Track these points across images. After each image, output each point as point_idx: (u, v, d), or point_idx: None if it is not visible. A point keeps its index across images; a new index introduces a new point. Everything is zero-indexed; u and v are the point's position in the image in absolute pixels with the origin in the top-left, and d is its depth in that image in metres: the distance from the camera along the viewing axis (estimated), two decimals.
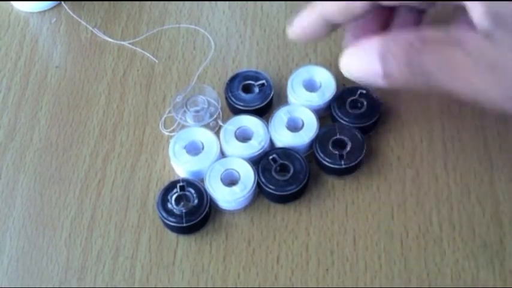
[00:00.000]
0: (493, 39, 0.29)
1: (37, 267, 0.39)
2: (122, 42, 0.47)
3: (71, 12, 0.49)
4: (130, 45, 0.47)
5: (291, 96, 0.43)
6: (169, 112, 0.43)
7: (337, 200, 0.40)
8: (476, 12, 0.30)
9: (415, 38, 0.31)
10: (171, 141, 0.41)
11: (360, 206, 0.40)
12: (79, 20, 0.49)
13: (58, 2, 0.49)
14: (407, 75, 0.32)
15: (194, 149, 0.41)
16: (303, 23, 0.36)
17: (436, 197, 0.40)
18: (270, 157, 0.40)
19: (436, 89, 0.31)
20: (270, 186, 0.39)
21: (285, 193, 0.39)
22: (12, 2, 0.50)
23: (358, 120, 0.41)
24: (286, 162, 0.40)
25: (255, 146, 0.40)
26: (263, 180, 0.39)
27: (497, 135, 0.42)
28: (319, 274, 0.38)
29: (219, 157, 0.40)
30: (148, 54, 0.47)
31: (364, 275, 0.38)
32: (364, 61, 0.33)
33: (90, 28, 0.48)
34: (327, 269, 0.38)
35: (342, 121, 0.41)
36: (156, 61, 0.47)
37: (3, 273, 0.39)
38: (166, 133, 0.43)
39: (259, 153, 0.40)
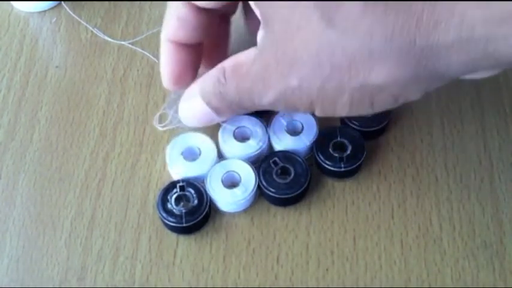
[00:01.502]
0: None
1: (37, 267, 0.39)
2: (122, 42, 0.47)
3: (71, 12, 0.49)
4: (130, 45, 0.47)
5: None
6: (164, 109, 0.43)
7: (337, 200, 0.40)
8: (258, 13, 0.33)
9: (218, 72, 0.35)
10: (168, 148, 0.41)
11: (360, 206, 0.40)
12: (79, 20, 0.49)
13: (58, 2, 0.49)
14: (228, 105, 0.35)
15: (191, 155, 0.41)
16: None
17: (436, 197, 0.40)
18: (271, 160, 0.40)
19: (261, 105, 0.34)
20: (271, 189, 0.39)
21: (286, 196, 0.39)
22: (12, 2, 0.50)
23: (369, 122, 0.41)
24: (287, 165, 0.40)
25: (253, 146, 0.40)
26: (264, 183, 0.39)
27: (497, 135, 0.42)
28: (319, 274, 0.38)
29: (216, 162, 0.40)
30: (148, 54, 0.47)
31: (364, 275, 0.38)
32: (195, 108, 0.37)
33: (90, 28, 0.48)
34: (327, 269, 0.38)
35: (351, 124, 0.41)
36: (156, 61, 0.47)
37: (3, 273, 0.39)
38: (160, 128, 0.43)
39: (258, 154, 0.40)
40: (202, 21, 0.37)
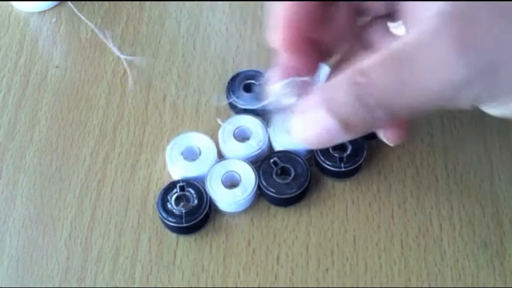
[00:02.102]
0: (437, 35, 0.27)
1: (37, 267, 0.39)
2: (120, 56, 0.47)
3: (75, 10, 0.49)
4: (130, 44, 0.47)
5: None
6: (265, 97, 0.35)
7: (337, 200, 0.40)
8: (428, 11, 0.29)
9: (353, 74, 0.28)
10: (168, 147, 0.41)
11: (360, 206, 0.40)
12: (84, 19, 0.49)
13: (58, 2, 0.49)
14: (365, 114, 0.28)
15: (191, 155, 0.41)
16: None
17: (436, 197, 0.40)
18: (271, 160, 0.40)
19: (403, 112, 0.29)
20: (271, 189, 0.39)
21: (286, 196, 0.39)
22: (12, 2, 0.50)
23: None
24: (287, 166, 0.40)
25: (253, 146, 0.40)
26: (264, 183, 0.39)
27: (497, 135, 0.42)
28: (319, 274, 0.38)
29: (216, 162, 0.40)
30: (147, 54, 0.47)
31: (364, 275, 0.38)
32: (315, 124, 0.29)
33: (94, 28, 0.48)
34: (327, 269, 0.38)
35: None
36: (156, 61, 0.47)
37: (3, 273, 0.39)
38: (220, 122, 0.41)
39: (257, 154, 0.40)
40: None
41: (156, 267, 0.39)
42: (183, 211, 0.38)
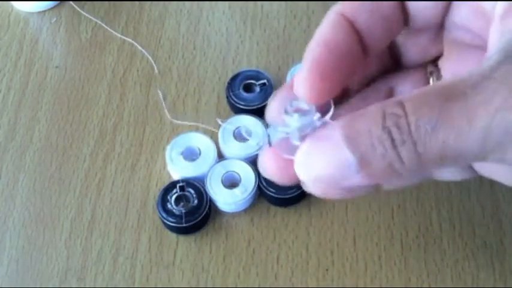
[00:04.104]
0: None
1: (37, 267, 0.39)
2: (127, 38, 0.47)
3: (78, 9, 0.49)
4: (130, 44, 0.47)
5: None
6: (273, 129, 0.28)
7: (338, 200, 0.40)
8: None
9: (390, 105, 0.23)
10: (168, 147, 0.41)
11: (360, 206, 0.40)
12: (87, 15, 0.49)
13: (58, 2, 0.49)
14: (388, 152, 0.23)
15: (191, 155, 0.41)
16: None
17: (436, 197, 0.40)
18: None
19: (432, 159, 0.23)
20: (271, 189, 0.39)
21: (286, 196, 0.39)
22: (12, 2, 0.50)
23: None
24: None
25: (253, 146, 0.40)
26: (264, 183, 0.39)
27: None
28: (319, 274, 0.38)
29: (216, 162, 0.40)
30: (148, 55, 0.47)
31: (364, 275, 0.38)
32: (326, 155, 0.24)
33: (102, 24, 0.48)
34: (327, 269, 0.38)
35: None
36: (156, 61, 0.47)
37: (3, 273, 0.39)
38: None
39: (257, 154, 0.40)
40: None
41: (156, 267, 0.39)
42: (183, 211, 0.38)
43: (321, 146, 0.24)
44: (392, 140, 0.23)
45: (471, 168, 0.29)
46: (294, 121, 0.25)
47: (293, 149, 0.26)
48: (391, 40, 0.29)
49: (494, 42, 0.24)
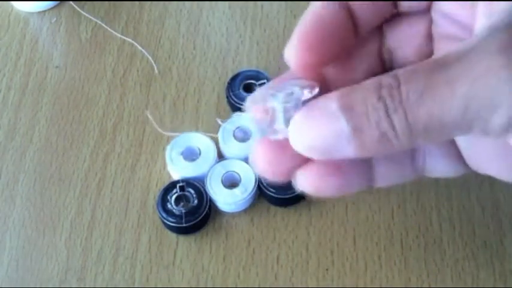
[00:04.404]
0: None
1: (37, 267, 0.39)
2: (127, 38, 0.47)
3: (78, 9, 0.49)
4: (130, 44, 0.47)
5: None
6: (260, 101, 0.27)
7: (337, 200, 0.40)
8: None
9: (386, 77, 0.24)
10: (168, 147, 0.41)
11: (360, 206, 0.40)
12: (87, 15, 0.49)
13: (58, 2, 0.49)
14: (381, 120, 0.23)
15: (191, 155, 0.41)
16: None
17: (436, 197, 0.40)
18: None
19: (421, 127, 0.23)
20: (271, 189, 0.39)
21: (286, 196, 0.39)
22: (12, 2, 0.50)
23: None
24: None
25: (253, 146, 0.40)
26: (264, 183, 0.39)
27: None
28: (319, 274, 0.38)
29: (216, 162, 0.40)
30: (148, 55, 0.47)
31: (364, 275, 0.38)
32: (321, 123, 0.24)
33: (102, 24, 0.48)
34: (327, 269, 0.38)
35: None
36: (156, 61, 0.47)
37: (3, 273, 0.39)
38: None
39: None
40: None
41: (156, 267, 0.39)
42: (183, 211, 0.38)
43: (316, 114, 0.24)
44: (386, 109, 0.23)
45: (463, 162, 0.29)
46: (279, 100, 0.25)
47: (279, 132, 0.26)
48: (381, 21, 0.30)
49: (481, 25, 0.25)
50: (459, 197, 0.40)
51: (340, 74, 0.30)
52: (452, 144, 0.29)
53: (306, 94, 0.26)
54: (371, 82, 0.24)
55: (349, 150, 0.24)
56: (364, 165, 0.29)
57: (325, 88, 0.29)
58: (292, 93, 0.26)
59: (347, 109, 0.23)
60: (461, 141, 0.28)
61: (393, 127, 0.23)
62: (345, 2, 0.28)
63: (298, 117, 0.25)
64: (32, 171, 0.42)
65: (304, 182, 0.27)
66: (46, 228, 0.40)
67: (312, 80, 0.27)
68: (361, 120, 0.23)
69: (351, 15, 0.28)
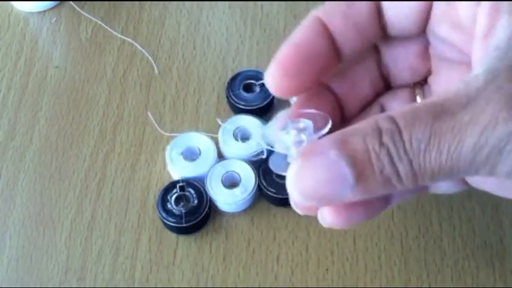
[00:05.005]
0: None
1: (37, 267, 0.39)
2: (127, 38, 0.47)
3: (78, 9, 0.49)
4: (130, 44, 0.47)
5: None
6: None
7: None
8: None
9: (378, 118, 0.24)
10: (168, 147, 0.41)
11: None
12: (87, 15, 0.49)
13: (58, 2, 0.49)
14: (384, 165, 0.23)
15: (191, 155, 0.41)
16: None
17: (436, 197, 0.40)
18: None
19: (427, 173, 0.23)
20: (271, 189, 0.39)
21: (286, 196, 0.39)
22: (12, 2, 0.50)
23: None
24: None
25: (253, 146, 0.40)
26: (264, 183, 0.39)
27: None
28: (319, 274, 0.38)
29: (216, 162, 0.40)
30: (148, 55, 0.47)
31: (364, 275, 0.38)
32: (321, 170, 0.24)
33: (102, 24, 0.48)
34: (327, 269, 0.38)
35: None
36: (156, 61, 0.47)
37: (3, 273, 0.39)
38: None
39: (257, 154, 0.40)
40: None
41: (156, 267, 0.39)
42: (183, 211, 0.38)
43: (315, 162, 0.24)
44: (391, 157, 0.23)
45: (464, 181, 0.29)
46: (291, 137, 0.26)
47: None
48: (368, 45, 0.30)
49: (479, 60, 0.25)
50: (459, 197, 0.40)
51: (345, 87, 0.31)
52: None
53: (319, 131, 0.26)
54: (369, 125, 0.24)
55: (351, 196, 0.24)
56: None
57: (331, 100, 0.30)
58: (303, 130, 0.26)
59: (349, 156, 0.23)
60: None
61: (398, 174, 0.23)
62: (325, 29, 0.28)
63: (295, 167, 0.24)
64: (32, 171, 0.42)
65: (303, 202, 0.26)
66: (46, 228, 0.40)
67: (323, 113, 0.28)
68: (365, 167, 0.23)
69: (333, 42, 0.29)
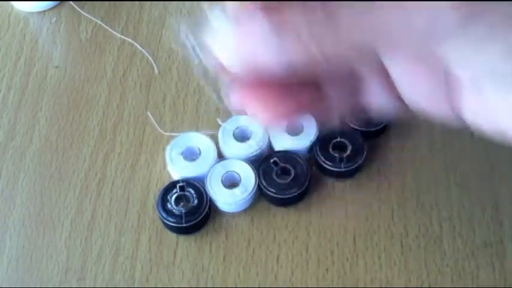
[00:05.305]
0: None
1: (37, 267, 0.39)
2: (127, 38, 0.47)
3: (78, 9, 0.49)
4: (130, 44, 0.47)
5: None
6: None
7: (337, 200, 0.40)
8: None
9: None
10: (168, 148, 0.41)
11: (360, 206, 0.40)
12: (87, 15, 0.49)
13: (58, 2, 0.49)
14: (304, 16, 0.23)
15: (191, 155, 0.41)
16: None
17: (436, 197, 0.40)
18: (271, 160, 0.40)
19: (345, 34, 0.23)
20: (271, 189, 0.39)
21: (286, 196, 0.39)
22: (12, 2, 0.50)
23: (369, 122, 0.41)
24: (287, 166, 0.40)
25: (253, 146, 0.40)
26: (264, 183, 0.39)
27: None
28: (319, 274, 0.38)
29: (216, 162, 0.40)
30: (148, 55, 0.47)
31: (364, 275, 0.38)
32: (242, 23, 0.24)
33: (102, 24, 0.48)
34: (327, 269, 0.38)
35: (351, 124, 0.41)
36: (156, 61, 0.47)
37: (3, 273, 0.39)
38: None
39: (258, 154, 0.40)
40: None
41: (156, 267, 0.39)
42: (183, 211, 0.38)
43: (243, 22, 0.24)
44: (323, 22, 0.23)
45: (399, 96, 0.28)
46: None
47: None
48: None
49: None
50: (459, 197, 0.40)
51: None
52: (388, 77, 0.28)
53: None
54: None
55: (272, 53, 0.24)
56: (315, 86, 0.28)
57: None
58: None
59: (276, 27, 0.23)
60: (394, 73, 0.27)
61: (319, 24, 0.23)
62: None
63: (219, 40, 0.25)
64: (32, 171, 0.42)
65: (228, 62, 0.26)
66: (46, 228, 0.40)
67: None
68: (283, 19, 0.23)
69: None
